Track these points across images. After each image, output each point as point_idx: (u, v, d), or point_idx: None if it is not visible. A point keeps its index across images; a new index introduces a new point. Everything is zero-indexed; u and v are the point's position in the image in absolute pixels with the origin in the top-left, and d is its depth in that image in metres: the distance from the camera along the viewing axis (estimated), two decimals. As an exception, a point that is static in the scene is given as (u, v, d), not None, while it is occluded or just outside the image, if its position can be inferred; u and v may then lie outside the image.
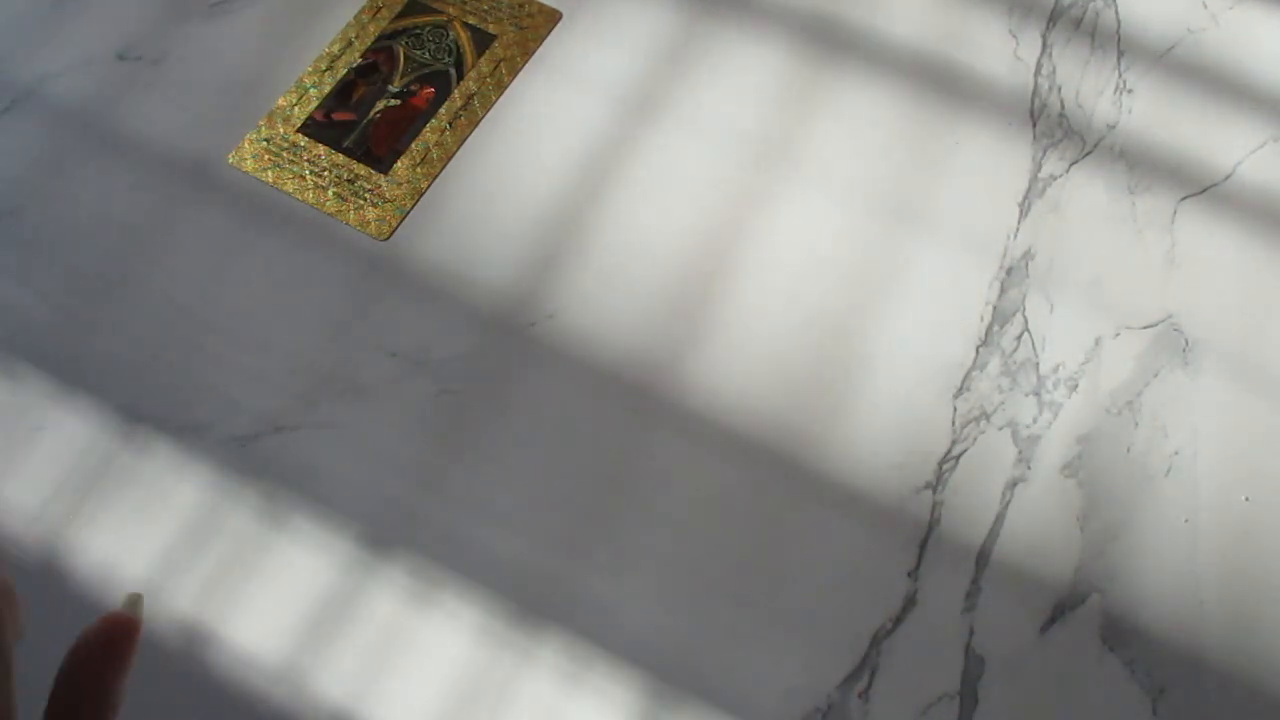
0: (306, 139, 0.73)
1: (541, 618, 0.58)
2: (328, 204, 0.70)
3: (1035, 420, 0.63)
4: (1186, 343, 0.65)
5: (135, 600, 0.30)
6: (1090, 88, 0.74)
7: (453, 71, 0.76)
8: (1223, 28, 0.76)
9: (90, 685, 0.27)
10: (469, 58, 0.76)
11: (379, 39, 0.77)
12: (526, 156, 0.72)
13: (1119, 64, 0.75)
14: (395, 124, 0.73)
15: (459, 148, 0.73)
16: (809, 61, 0.76)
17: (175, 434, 0.63)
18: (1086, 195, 0.70)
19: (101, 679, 0.27)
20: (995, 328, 0.66)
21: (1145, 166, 0.71)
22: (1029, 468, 0.62)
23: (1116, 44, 0.76)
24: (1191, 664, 0.56)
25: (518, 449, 0.62)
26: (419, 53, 0.76)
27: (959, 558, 0.59)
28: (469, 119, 0.74)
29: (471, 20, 0.78)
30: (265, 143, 0.73)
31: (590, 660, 0.57)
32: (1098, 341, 0.65)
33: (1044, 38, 0.76)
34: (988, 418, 0.63)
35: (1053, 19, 0.77)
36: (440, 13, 0.78)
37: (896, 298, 0.67)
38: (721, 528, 0.60)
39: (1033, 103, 0.74)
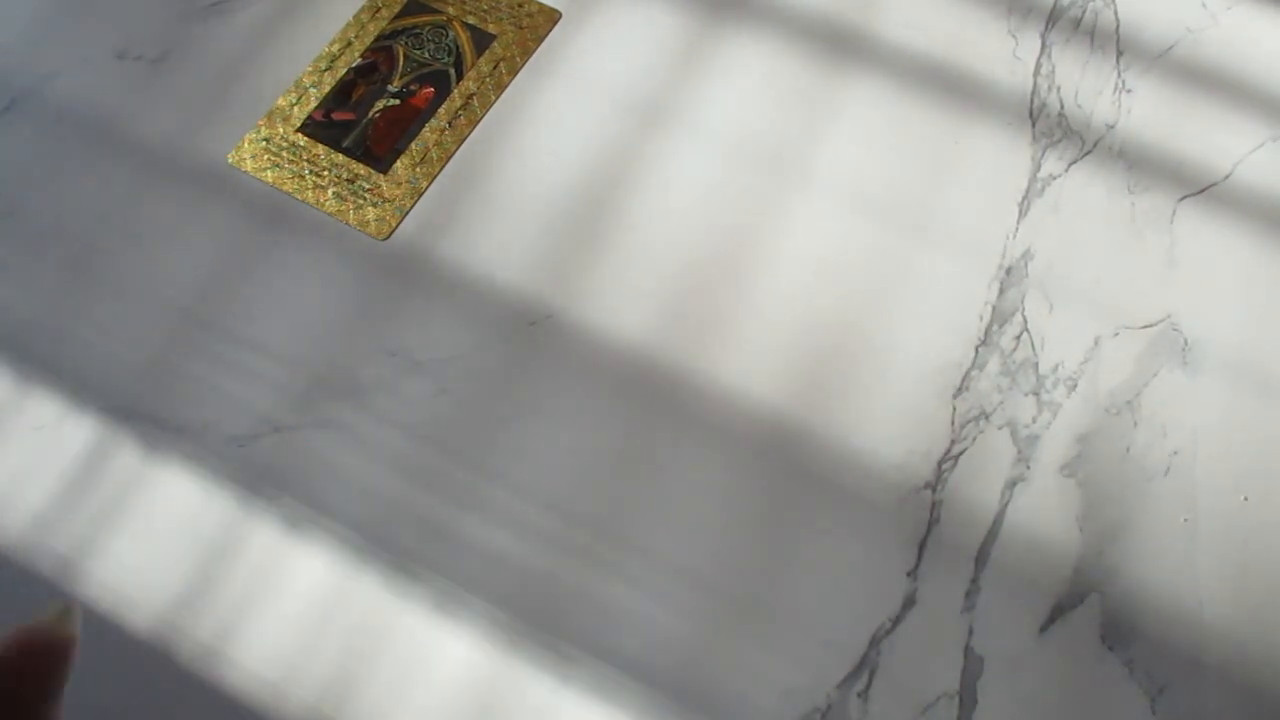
0: (306, 139, 0.73)
1: (542, 618, 0.58)
2: (327, 204, 0.70)
3: (1034, 420, 0.63)
4: (1185, 342, 0.65)
5: (64, 611, 0.23)
6: (1089, 87, 0.74)
7: (452, 71, 0.76)
8: (1222, 27, 0.76)
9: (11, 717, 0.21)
10: (468, 57, 0.76)
11: (378, 39, 0.77)
12: (526, 156, 0.72)
13: (1118, 64, 0.75)
14: (395, 124, 0.73)
15: (458, 147, 0.73)
16: (809, 62, 0.76)
17: (174, 434, 0.63)
18: (1086, 195, 0.70)
19: (26, 710, 0.21)
20: (994, 327, 0.66)
21: (1144, 166, 0.71)
22: (1028, 467, 0.62)
23: (1115, 44, 0.76)
24: (1191, 664, 0.56)
25: (517, 449, 0.62)
26: (418, 52, 0.76)
27: (958, 557, 0.59)
28: (468, 119, 0.74)
29: (471, 20, 0.78)
30: (265, 142, 0.73)
31: (591, 660, 0.57)
32: (1097, 341, 0.65)
33: (1043, 38, 0.76)
34: (987, 417, 0.63)
35: (1052, 19, 0.77)
36: (440, 12, 0.78)
37: (895, 297, 0.67)
38: (721, 528, 0.60)
39: (1032, 102, 0.74)
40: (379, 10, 0.78)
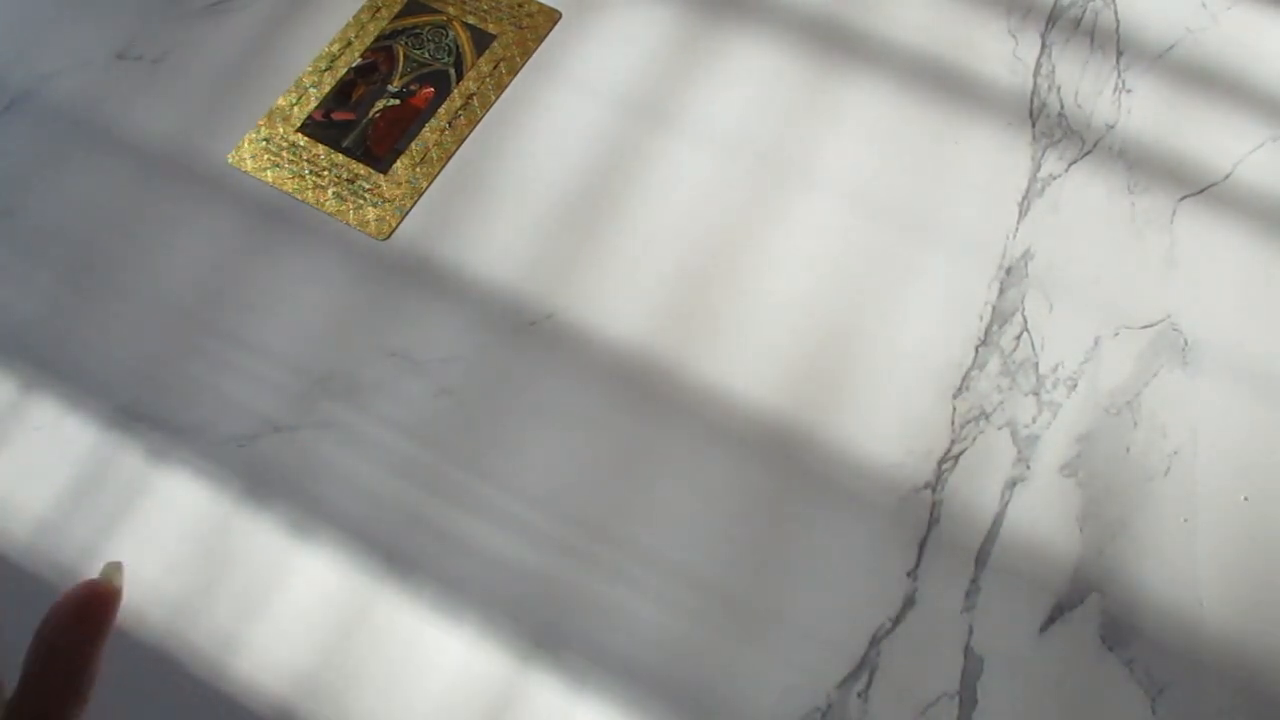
0: (306, 139, 0.73)
1: (541, 618, 0.58)
2: (327, 204, 0.70)
3: (1034, 420, 0.63)
4: (1185, 342, 0.65)
5: (114, 569, 0.28)
6: (1089, 88, 0.74)
7: (452, 71, 0.76)
8: (1222, 27, 0.76)
9: (65, 654, 0.26)
10: (468, 57, 0.76)
11: (378, 39, 0.77)
12: (526, 156, 0.72)
13: (1118, 64, 0.75)
14: (395, 124, 0.73)
15: (458, 147, 0.73)
16: (809, 62, 0.76)
17: (174, 434, 0.63)
18: (1086, 195, 0.70)
19: (78, 648, 0.26)
20: (994, 327, 0.66)
21: (1144, 166, 0.71)
22: (1028, 467, 0.62)
23: (1115, 44, 0.76)
24: (1191, 663, 0.56)
25: (516, 449, 0.62)
26: (418, 52, 0.76)
27: (959, 557, 0.59)
28: (468, 118, 0.74)
29: (471, 20, 0.78)
30: (265, 142, 0.73)
31: (590, 661, 0.57)
32: (1097, 341, 0.65)
33: (1043, 38, 0.76)
34: (987, 417, 0.63)
35: (1052, 19, 0.77)
36: (440, 12, 0.78)
37: (896, 297, 0.67)
38: (721, 528, 0.60)
39: (1032, 102, 0.74)
40: (379, 10, 0.78)
